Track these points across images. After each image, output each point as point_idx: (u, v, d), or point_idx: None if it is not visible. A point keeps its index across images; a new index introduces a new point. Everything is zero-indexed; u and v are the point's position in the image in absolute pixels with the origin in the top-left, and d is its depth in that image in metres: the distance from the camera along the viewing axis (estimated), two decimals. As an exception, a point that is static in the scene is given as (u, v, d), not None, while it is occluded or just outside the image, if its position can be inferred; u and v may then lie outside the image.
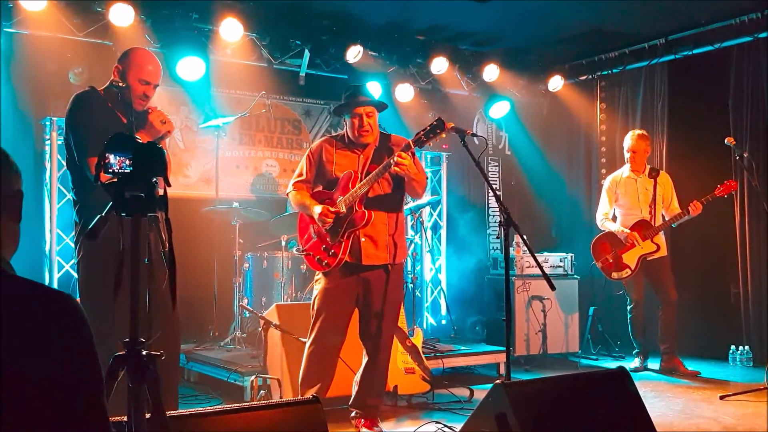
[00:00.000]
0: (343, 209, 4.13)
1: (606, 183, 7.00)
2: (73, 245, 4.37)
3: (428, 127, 3.97)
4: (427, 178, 4.36)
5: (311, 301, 4.33)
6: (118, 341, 2.24)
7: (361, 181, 4.13)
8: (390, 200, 4.24)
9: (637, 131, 6.89)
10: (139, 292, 2.12)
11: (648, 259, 6.61)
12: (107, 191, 2.07)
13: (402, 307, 5.60)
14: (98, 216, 2.08)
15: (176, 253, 4.61)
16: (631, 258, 6.64)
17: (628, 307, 6.85)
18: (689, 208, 6.38)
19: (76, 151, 3.67)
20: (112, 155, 2.07)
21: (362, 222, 4.10)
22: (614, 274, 6.74)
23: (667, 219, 6.61)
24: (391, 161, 3.98)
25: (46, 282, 6.22)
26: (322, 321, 4.20)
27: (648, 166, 6.82)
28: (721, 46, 7.31)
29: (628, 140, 6.81)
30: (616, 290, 7.29)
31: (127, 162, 2.07)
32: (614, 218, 6.88)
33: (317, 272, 4.32)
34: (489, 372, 6.71)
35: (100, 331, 3.41)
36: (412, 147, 4.02)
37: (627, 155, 6.82)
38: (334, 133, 4.59)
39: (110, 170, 2.08)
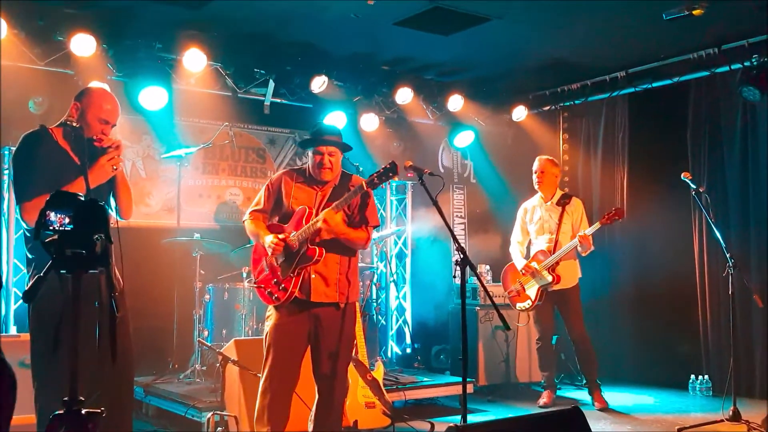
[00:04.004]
0: (296, 244, 4.13)
1: (519, 211, 6.88)
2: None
3: (381, 170, 4.01)
4: (369, 237, 4.32)
5: (263, 337, 4.31)
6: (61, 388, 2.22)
7: (314, 217, 4.14)
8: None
9: (545, 156, 6.79)
10: (78, 351, 2.09)
11: (550, 290, 6.48)
12: (47, 250, 2.04)
13: (363, 340, 5.61)
14: (37, 276, 2.06)
15: (137, 282, 4.57)
16: (532, 289, 6.54)
17: (536, 339, 6.77)
18: (577, 238, 6.25)
19: (15, 193, 3.64)
20: (53, 213, 2.05)
21: (313, 258, 4.10)
22: (518, 305, 6.62)
23: (560, 250, 6.41)
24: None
25: (2, 314, 6.13)
26: (273, 357, 4.18)
27: (560, 193, 6.70)
28: (679, 80, 7.46)
29: (536, 162, 6.70)
30: (521, 322, 7.08)
31: (68, 219, 2.05)
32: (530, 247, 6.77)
33: (268, 307, 4.31)
34: (452, 403, 6.70)
35: (48, 375, 3.37)
36: (365, 188, 4.05)
37: (534, 177, 6.67)
38: (296, 166, 4.58)
39: (50, 228, 2.06)
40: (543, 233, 6.62)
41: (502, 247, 8.75)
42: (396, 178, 3.99)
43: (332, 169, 4.25)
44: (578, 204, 6.68)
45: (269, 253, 4.18)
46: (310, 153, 4.30)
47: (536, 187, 6.73)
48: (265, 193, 4.39)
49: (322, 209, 4.15)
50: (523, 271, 6.54)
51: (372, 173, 4.05)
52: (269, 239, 4.15)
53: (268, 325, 4.25)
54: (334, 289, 4.20)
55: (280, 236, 4.14)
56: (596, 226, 6.27)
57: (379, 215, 8.39)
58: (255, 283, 4.40)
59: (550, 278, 6.40)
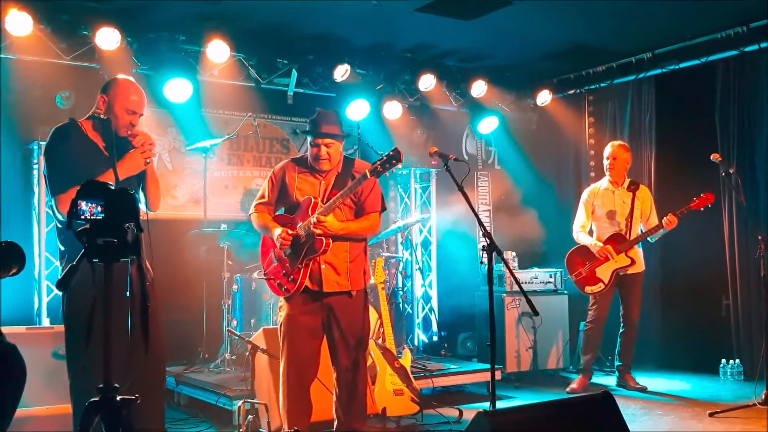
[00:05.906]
0: (303, 234, 4.13)
1: (584, 195, 6.84)
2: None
3: (385, 158, 3.97)
4: (376, 223, 4.34)
5: (278, 328, 4.32)
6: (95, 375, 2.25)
7: (320, 207, 4.13)
8: None
9: (618, 141, 6.85)
10: (111, 339, 2.12)
11: (621, 273, 6.48)
12: (79, 239, 2.07)
13: (390, 327, 5.62)
14: (70, 265, 2.08)
15: (166, 274, 4.64)
16: (604, 272, 6.48)
17: (584, 322, 6.72)
18: (664, 221, 6.27)
19: (48, 186, 3.69)
20: (84, 202, 2.07)
21: (321, 249, 4.09)
22: (587, 288, 6.55)
23: (643, 232, 6.52)
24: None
25: (35, 307, 6.23)
26: (288, 348, 4.18)
27: (628, 180, 6.69)
28: (707, 60, 7.34)
29: (608, 148, 6.73)
30: (588, 306, 6.98)
31: (99, 208, 2.07)
32: (591, 231, 6.74)
33: (280, 298, 4.31)
34: (479, 390, 6.70)
35: (82, 364, 3.43)
36: (368, 176, 4.03)
37: (606, 163, 6.69)
38: (297, 156, 4.58)
39: (82, 217, 2.08)
40: (614, 218, 6.61)
41: (527, 232, 8.71)
42: (399, 165, 3.96)
43: (330, 160, 4.23)
44: (647, 192, 6.78)
45: (278, 246, 4.18)
46: (308, 143, 4.29)
47: (607, 173, 6.71)
48: (268, 185, 4.37)
49: (327, 197, 4.14)
50: (601, 255, 6.47)
51: (375, 160, 4.03)
52: (278, 232, 4.14)
53: (281, 316, 4.26)
54: (345, 277, 4.20)
55: (290, 232, 4.13)
56: (684, 210, 6.28)
57: (402, 205, 8.48)
58: (264, 275, 4.41)
59: (629, 261, 6.43)
